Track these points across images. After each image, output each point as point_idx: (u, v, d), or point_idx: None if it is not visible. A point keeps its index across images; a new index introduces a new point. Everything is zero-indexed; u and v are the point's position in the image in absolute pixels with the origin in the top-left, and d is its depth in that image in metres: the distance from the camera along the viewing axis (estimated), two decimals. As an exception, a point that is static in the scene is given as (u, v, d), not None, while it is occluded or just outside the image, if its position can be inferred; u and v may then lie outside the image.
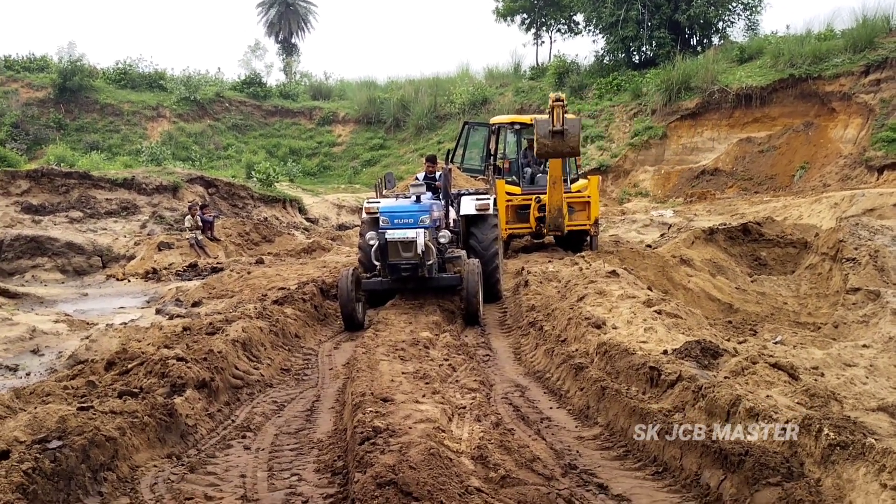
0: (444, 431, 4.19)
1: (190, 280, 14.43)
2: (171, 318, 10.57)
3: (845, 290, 13.26)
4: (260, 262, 14.95)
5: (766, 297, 13.76)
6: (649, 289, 10.13)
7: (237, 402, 5.73)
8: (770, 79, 28.90)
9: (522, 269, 12.48)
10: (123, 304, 12.62)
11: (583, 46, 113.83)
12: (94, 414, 4.25)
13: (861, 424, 3.47)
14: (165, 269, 15.35)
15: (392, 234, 9.19)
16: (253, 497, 3.81)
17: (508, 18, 41.21)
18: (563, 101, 12.62)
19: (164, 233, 18.06)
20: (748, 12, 35.44)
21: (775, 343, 9.68)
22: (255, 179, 25.52)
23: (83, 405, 4.37)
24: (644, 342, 6.28)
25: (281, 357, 7.26)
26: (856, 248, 14.12)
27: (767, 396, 4.19)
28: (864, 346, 9.64)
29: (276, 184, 25.48)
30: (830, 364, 8.04)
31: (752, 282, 14.43)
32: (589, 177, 17.82)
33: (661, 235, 18.94)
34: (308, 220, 24.54)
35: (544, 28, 41.40)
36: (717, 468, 3.60)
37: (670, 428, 4.14)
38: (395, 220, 9.39)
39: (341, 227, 24.62)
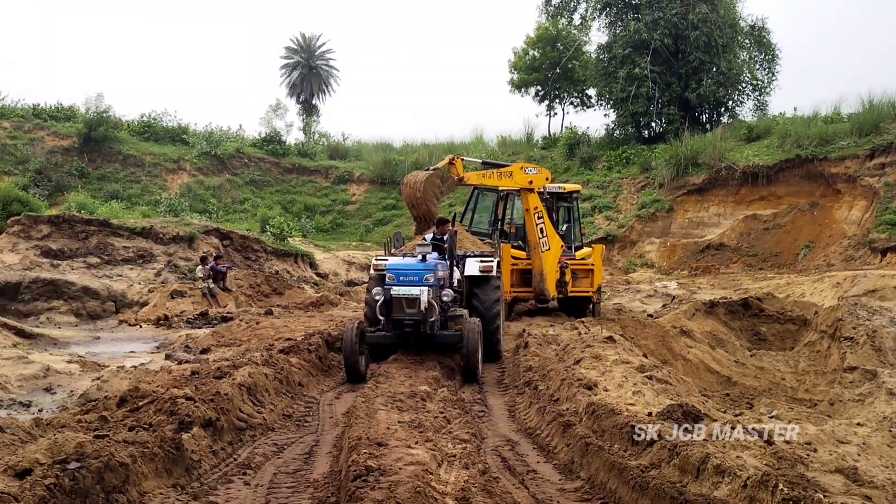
0: (431, 474, 4.49)
1: (200, 328, 14.79)
2: (179, 363, 10.88)
3: (842, 368, 13.45)
4: (269, 313, 15.33)
5: (764, 371, 13.91)
6: (644, 356, 10.39)
7: (240, 443, 6.03)
8: (777, 158, 29.56)
9: (524, 331, 12.77)
10: (134, 349, 12.96)
11: (594, 119, 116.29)
12: (109, 442, 4.59)
13: (815, 482, 3.75)
14: (177, 316, 15.75)
15: (397, 291, 9.56)
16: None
17: (523, 90, 42.45)
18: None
19: (177, 281, 18.53)
20: (757, 93, 36.49)
21: (771, 417, 9.85)
22: (269, 233, 26.10)
23: (99, 434, 4.71)
24: (632, 404, 6.56)
25: (284, 403, 7.56)
26: (854, 328, 14.30)
27: (738, 457, 4.47)
28: (859, 424, 9.82)
29: (289, 238, 26.05)
30: (824, 440, 8.23)
31: (751, 356, 14.59)
32: (593, 245, 18.27)
33: (664, 306, 19.21)
34: (318, 274, 25.00)
35: (557, 100, 42.61)
36: (680, 517, 3.89)
37: (646, 483, 4.41)
38: (401, 277, 9.77)
39: (350, 283, 25.04)
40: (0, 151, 37.18)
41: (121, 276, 18.31)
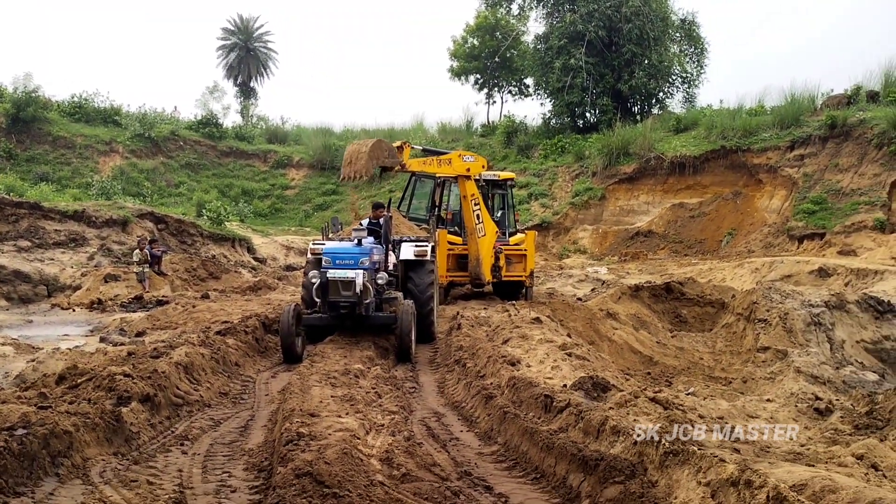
0: (359, 439, 4.89)
1: (135, 311, 14.77)
2: (114, 345, 10.94)
3: (756, 348, 14.36)
4: (206, 297, 15.40)
5: (684, 352, 14.71)
6: (568, 335, 10.98)
7: (177, 417, 6.29)
8: (703, 149, 30.74)
9: (458, 313, 13.22)
10: (68, 332, 12.91)
11: (531, 108, 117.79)
12: (52, 413, 4.82)
13: (699, 442, 4.30)
14: (111, 300, 15.66)
15: (333, 273, 9.87)
16: (188, 486, 4.41)
17: (463, 77, 42.86)
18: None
19: (111, 265, 18.33)
20: (686, 85, 37.77)
21: (687, 394, 10.55)
22: (205, 218, 25.90)
23: (42, 405, 4.93)
24: (550, 378, 7.08)
25: (220, 382, 7.82)
26: (767, 311, 15.23)
27: (635, 420, 5.00)
28: (768, 400, 10.64)
29: (226, 223, 25.90)
30: (735, 415, 8.92)
31: (672, 337, 15.38)
32: (527, 231, 18.88)
33: (593, 290, 20.00)
34: (256, 259, 24.98)
35: (496, 88, 43.18)
36: (579, 472, 4.38)
37: (552, 443, 4.91)
38: (337, 261, 10.08)
39: (289, 267, 25.10)
40: (-81, 130, 35.68)
41: (53, 259, 18.01)
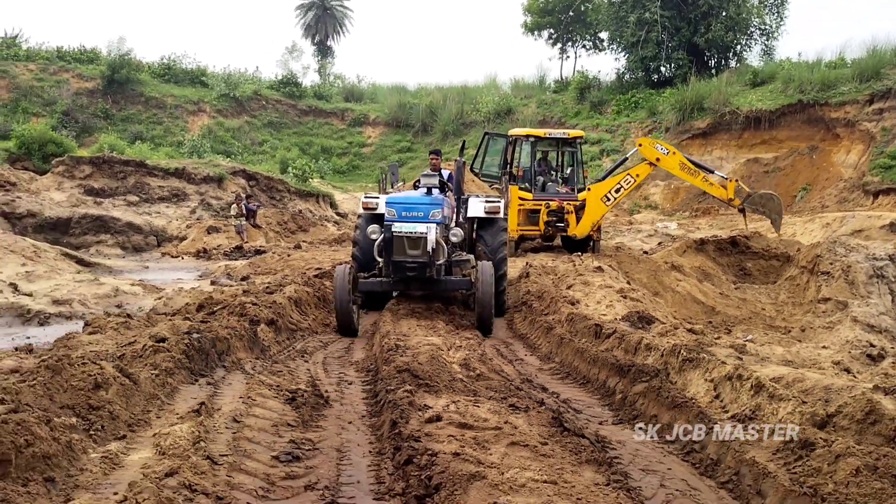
0: (442, 351, 6.15)
1: (236, 260, 16.50)
2: (225, 287, 12.57)
3: (817, 299, 14.93)
4: (298, 247, 17.00)
5: (746, 303, 15.30)
6: (627, 282, 11.95)
7: (294, 339, 7.72)
8: (780, 103, 30.39)
9: (527, 263, 14.25)
10: (181, 277, 14.69)
11: (605, 63, 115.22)
12: (212, 325, 6.27)
13: (710, 351, 5.34)
14: (214, 249, 17.46)
15: (400, 228, 8.40)
16: (317, 378, 5.78)
17: (536, 33, 43.03)
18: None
19: (211, 218, 20.18)
20: (765, 38, 36.98)
21: (746, 341, 11.39)
22: (290, 174, 27.64)
23: (204, 320, 6.40)
24: (604, 315, 8.17)
25: (322, 315, 9.23)
26: (831, 263, 15.65)
27: (666, 341, 6.08)
28: (823, 347, 11.36)
29: (310, 180, 27.59)
30: (790, 360, 9.75)
31: (735, 289, 15.97)
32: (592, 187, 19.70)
33: (659, 244, 20.69)
34: (338, 213, 26.63)
35: (570, 43, 43.19)
36: (615, 376, 5.52)
37: (597, 358, 6.05)
38: (403, 213, 8.60)
39: (368, 222, 26.55)
40: (27, 93, 38.51)
41: (159, 213, 19.98)
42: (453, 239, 9.09)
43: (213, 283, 13.43)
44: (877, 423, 3.76)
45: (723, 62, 36.95)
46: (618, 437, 4.59)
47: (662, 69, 37.00)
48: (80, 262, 14.52)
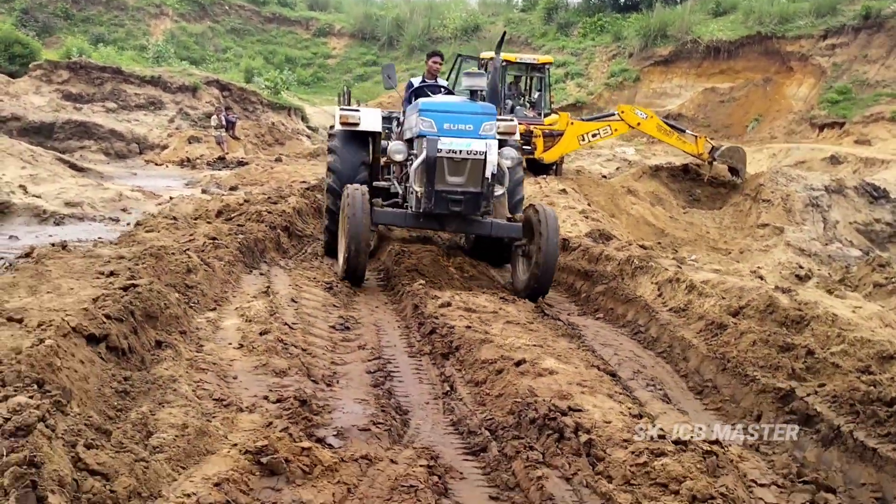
0: (441, 258, 7.40)
1: (219, 170, 17.30)
2: (216, 196, 13.50)
3: (757, 225, 16.51)
4: (279, 160, 17.84)
5: (693, 226, 16.72)
6: (588, 204, 13.28)
7: (303, 243, 8.86)
8: (739, 34, 31.44)
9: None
10: (170, 184, 15.50)
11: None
12: (248, 227, 7.43)
13: (657, 261, 6.71)
14: (197, 159, 18.19)
15: (450, 145, 6.34)
16: (332, 270, 7.03)
17: (505, -53, 42.75)
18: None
19: (190, 128, 20.74)
20: (730, -35, 37.53)
21: (691, 260, 12.87)
22: (261, 85, 27.91)
23: (240, 224, 7.52)
24: (569, 232, 9.48)
25: (318, 223, 10.34)
26: (772, 192, 17.18)
27: (622, 254, 7.44)
28: (758, 267, 12.90)
29: (281, 93, 27.95)
30: (717, 269, 11.22)
31: (684, 213, 17.44)
32: (559, 112, 20.77)
33: (617, 169, 22.06)
34: (309, 127, 27.22)
35: (539, -39, 42.99)
36: (580, 280, 6.90)
37: (566, 265, 7.39)
38: (446, 125, 6.48)
39: (338, 136, 27.21)
40: (-17, -11, 37.28)
41: (137, 121, 20.45)
42: (506, 163, 6.86)
43: (203, 191, 14.31)
44: (774, 313, 5.14)
45: (689, -11, 37.54)
46: (583, 323, 5.96)
47: (630, -8, 37.53)
48: (72, 166, 15.18)
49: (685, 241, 15.68)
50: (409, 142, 6.94)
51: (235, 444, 2.92)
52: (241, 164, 17.54)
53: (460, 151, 6.36)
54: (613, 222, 12.07)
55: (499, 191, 6.79)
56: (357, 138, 7.86)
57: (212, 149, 19.00)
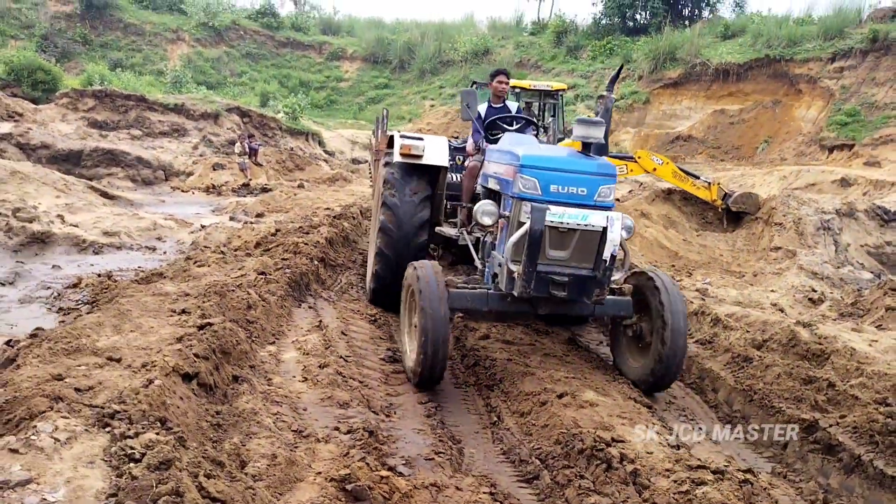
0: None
1: (244, 196, 17.75)
2: (243, 224, 13.93)
3: (770, 248, 16.82)
4: (301, 186, 18.29)
5: (706, 249, 17.06)
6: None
7: (337, 273, 9.25)
8: (747, 57, 31.93)
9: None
10: (198, 211, 15.94)
11: (582, 7, 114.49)
12: (293, 262, 7.85)
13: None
14: (222, 186, 18.67)
15: (560, 216, 5.02)
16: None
17: (515, -27, 43.45)
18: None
19: (214, 155, 21.26)
20: (738, -11, 38.25)
21: (704, 284, 13.19)
22: (279, 111, 28.52)
23: (283, 258, 7.94)
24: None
25: (348, 252, 10.75)
26: (784, 215, 17.51)
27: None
28: (772, 290, 13.21)
29: (299, 118, 28.54)
30: (741, 301, 11.51)
31: (697, 236, 17.79)
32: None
33: (630, 192, 22.40)
34: (326, 152, 27.74)
35: (548, -15, 43.85)
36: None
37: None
38: (553, 187, 5.12)
39: (355, 160, 27.85)
40: (5, 14, 38.11)
41: (162, 148, 20.97)
42: (624, 236, 5.42)
43: (231, 218, 14.75)
44: (795, 346, 5.49)
45: (697, 11, 38.18)
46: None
47: (638, 16, 38.12)
48: (103, 194, 15.65)
49: (699, 263, 15.95)
50: (492, 194, 5.75)
51: (320, 472, 3.29)
52: (265, 190, 18.00)
53: (577, 225, 5.00)
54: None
55: (617, 275, 5.35)
56: (419, 170, 6.85)
57: (236, 175, 19.47)
